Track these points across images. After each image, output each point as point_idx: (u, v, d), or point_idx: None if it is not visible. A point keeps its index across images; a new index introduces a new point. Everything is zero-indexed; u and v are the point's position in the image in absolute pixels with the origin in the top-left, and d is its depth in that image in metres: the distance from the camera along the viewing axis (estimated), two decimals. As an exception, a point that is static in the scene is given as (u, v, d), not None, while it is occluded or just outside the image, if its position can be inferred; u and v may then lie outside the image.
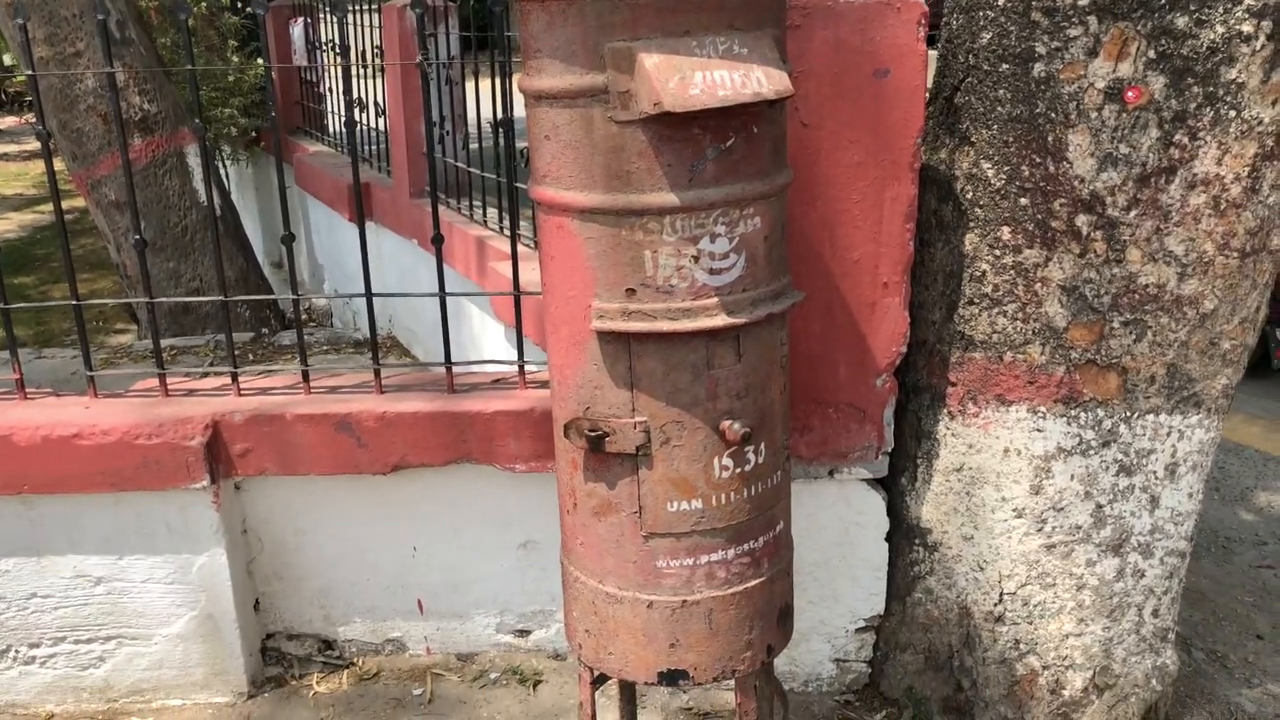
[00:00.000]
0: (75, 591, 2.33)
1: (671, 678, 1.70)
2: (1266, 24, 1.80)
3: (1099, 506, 2.10)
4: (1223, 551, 3.09)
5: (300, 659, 2.50)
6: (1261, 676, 2.49)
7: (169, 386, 2.38)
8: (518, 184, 2.56)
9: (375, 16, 4.58)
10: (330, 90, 5.68)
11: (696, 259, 1.51)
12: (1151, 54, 1.85)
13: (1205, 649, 2.59)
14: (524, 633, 2.49)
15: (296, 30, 5.95)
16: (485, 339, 3.56)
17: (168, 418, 2.23)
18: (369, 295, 2.37)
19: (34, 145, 11.58)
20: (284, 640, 2.51)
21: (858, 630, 2.39)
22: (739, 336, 1.57)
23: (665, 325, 1.52)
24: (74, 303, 2.37)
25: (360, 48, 4.82)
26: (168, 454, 2.22)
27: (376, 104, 4.59)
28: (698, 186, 1.48)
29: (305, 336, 2.47)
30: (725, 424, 1.58)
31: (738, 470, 1.63)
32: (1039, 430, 2.08)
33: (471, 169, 3.74)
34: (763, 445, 1.65)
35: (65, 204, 2.39)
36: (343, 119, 5.22)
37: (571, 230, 1.54)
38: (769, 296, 1.59)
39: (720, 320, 1.53)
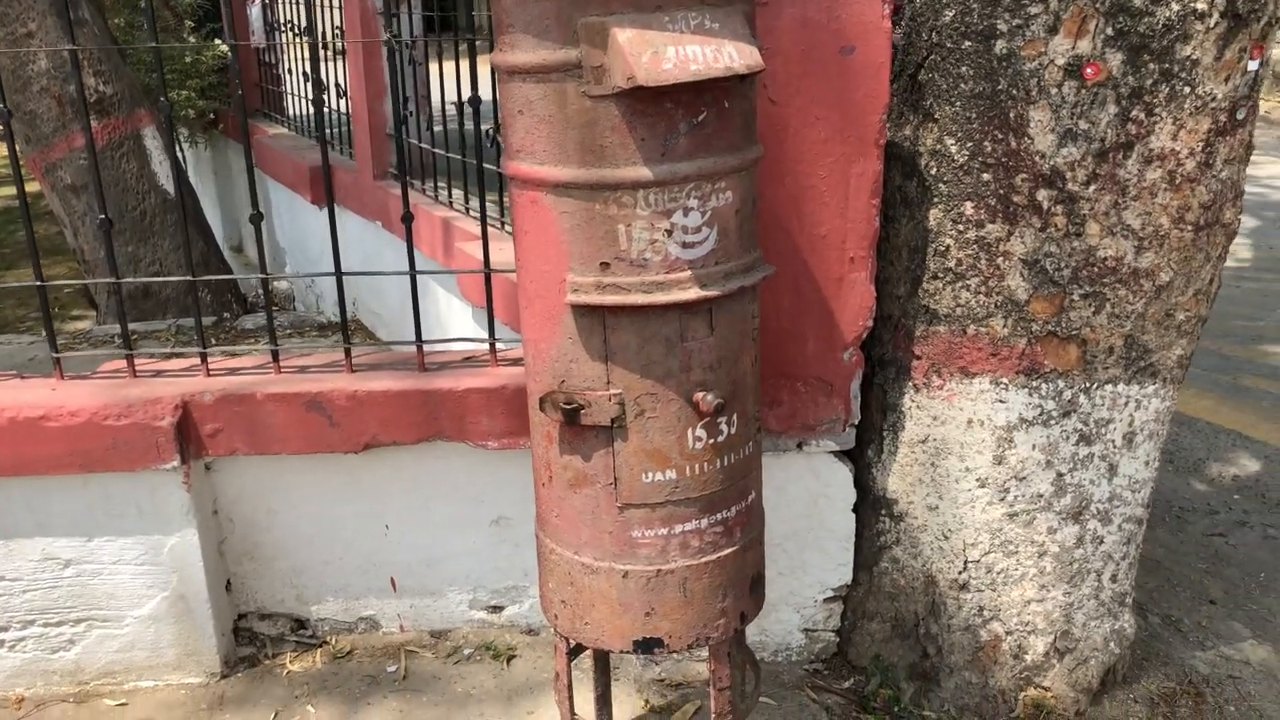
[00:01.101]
0: (44, 574, 2.32)
1: (647, 646, 1.72)
2: (1220, 1, 1.85)
3: (1059, 475, 2.15)
4: (1176, 521, 3.18)
5: (273, 639, 2.50)
6: (1214, 640, 2.57)
7: (137, 367, 2.37)
8: (486, 164, 2.57)
9: (335, -4, 4.53)
10: (289, 72, 5.62)
11: (670, 233, 1.53)
12: (1109, 31, 1.89)
13: (1160, 614, 2.67)
14: (497, 609, 2.51)
15: (254, 11, 5.88)
16: (451, 320, 3.56)
17: (136, 398, 2.22)
18: (339, 274, 2.37)
19: (-18, 129, 11.34)
20: (256, 620, 2.51)
21: (826, 600, 2.44)
22: (711, 309, 1.59)
23: (639, 298, 1.54)
24: (38, 284, 2.35)
25: (320, 28, 4.78)
26: (137, 435, 2.21)
27: (338, 85, 4.55)
28: (670, 160, 1.50)
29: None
30: (699, 395, 1.61)
31: (711, 441, 1.65)
32: (1001, 401, 2.13)
33: (437, 150, 3.73)
34: (735, 416, 1.67)
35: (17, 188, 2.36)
36: (302, 101, 5.19)
37: (545, 205, 1.55)
38: (740, 270, 1.61)
39: (693, 293, 1.55)
